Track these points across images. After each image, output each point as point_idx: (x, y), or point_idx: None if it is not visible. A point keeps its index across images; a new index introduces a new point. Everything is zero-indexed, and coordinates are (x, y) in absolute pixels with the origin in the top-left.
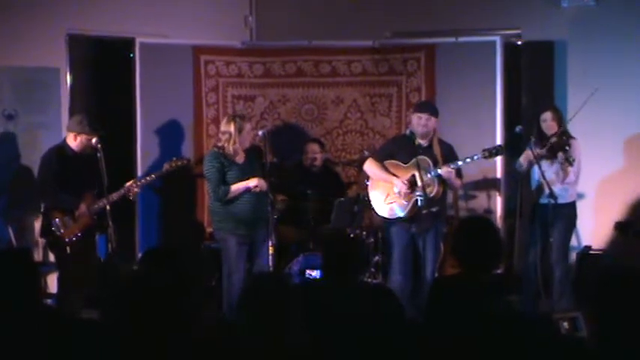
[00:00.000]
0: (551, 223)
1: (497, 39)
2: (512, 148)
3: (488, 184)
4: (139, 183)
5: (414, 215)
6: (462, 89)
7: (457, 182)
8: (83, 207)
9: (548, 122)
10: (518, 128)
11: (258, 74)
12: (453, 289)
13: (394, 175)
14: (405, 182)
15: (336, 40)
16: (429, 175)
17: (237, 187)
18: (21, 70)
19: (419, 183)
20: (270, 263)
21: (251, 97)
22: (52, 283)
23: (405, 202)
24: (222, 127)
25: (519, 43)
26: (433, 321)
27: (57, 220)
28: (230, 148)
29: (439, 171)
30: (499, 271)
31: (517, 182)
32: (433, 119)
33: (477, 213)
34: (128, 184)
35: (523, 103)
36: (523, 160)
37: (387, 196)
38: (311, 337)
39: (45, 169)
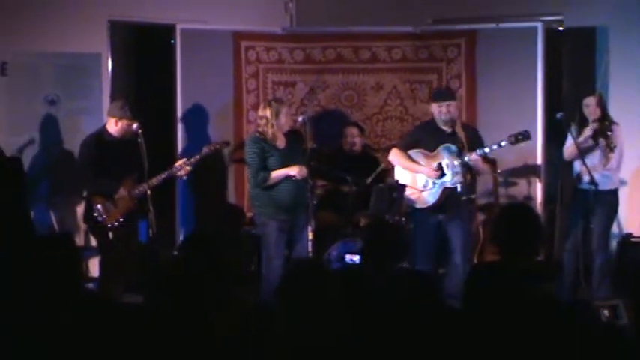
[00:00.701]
0: (591, 210)
1: (539, 25)
2: (553, 134)
3: (528, 170)
4: (190, 161)
5: (442, 203)
6: (503, 76)
7: (485, 167)
8: (122, 191)
9: (591, 107)
10: (559, 115)
11: (298, 60)
12: (492, 276)
13: (420, 164)
14: (433, 171)
15: (376, 26)
16: (455, 163)
17: (276, 174)
18: (63, 56)
19: (446, 171)
20: (309, 249)
21: (291, 82)
22: (94, 267)
23: (435, 191)
24: (260, 113)
25: (561, 29)
26: (471, 307)
27: (99, 205)
28: (269, 133)
29: (466, 158)
30: (539, 258)
31: (557, 168)
32: (453, 104)
33: (517, 200)
34: (178, 163)
35: (564, 90)
36: (567, 155)
37: (415, 185)
38: (349, 322)
39: (84, 155)
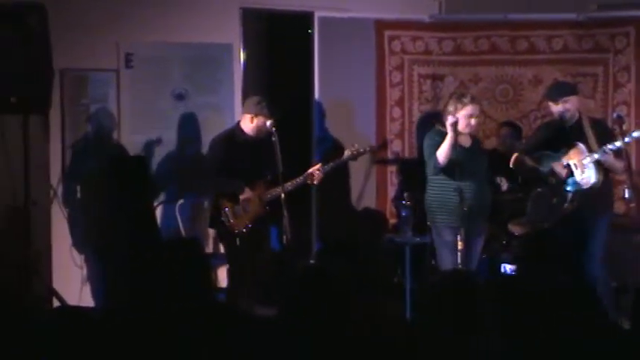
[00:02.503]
0: None
1: None
2: None
3: None
4: (325, 167)
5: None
6: None
7: (619, 165)
8: (248, 192)
9: None
10: None
11: (447, 51)
12: None
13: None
14: (560, 171)
15: (534, 12)
16: (585, 162)
17: (443, 146)
18: (192, 47)
19: (575, 171)
20: (459, 259)
21: (439, 76)
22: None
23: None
24: (447, 106)
25: None
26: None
27: (226, 209)
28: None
29: (596, 155)
30: None
31: None
32: (572, 98)
33: None
34: (312, 169)
35: None
36: None
37: None
38: (502, 336)
39: (210, 155)
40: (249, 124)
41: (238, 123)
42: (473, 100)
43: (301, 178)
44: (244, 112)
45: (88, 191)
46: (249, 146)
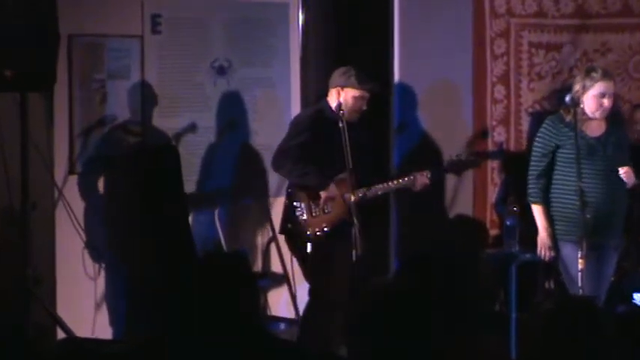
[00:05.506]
0: None
1: None
2: None
3: None
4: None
5: None
6: None
7: None
8: (333, 189)
9: None
10: None
11: (566, 13)
12: None
13: None
14: None
15: None
16: None
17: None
18: (236, 7)
19: None
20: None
21: (556, 45)
22: (277, 303)
23: None
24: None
25: None
26: None
27: (303, 204)
28: (577, 112)
29: None
30: None
31: None
32: None
33: None
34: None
35: None
36: None
37: None
38: None
39: (290, 135)
40: (335, 101)
41: (325, 100)
42: (605, 76)
43: (404, 179)
44: (329, 86)
45: (104, 191)
46: (337, 129)
